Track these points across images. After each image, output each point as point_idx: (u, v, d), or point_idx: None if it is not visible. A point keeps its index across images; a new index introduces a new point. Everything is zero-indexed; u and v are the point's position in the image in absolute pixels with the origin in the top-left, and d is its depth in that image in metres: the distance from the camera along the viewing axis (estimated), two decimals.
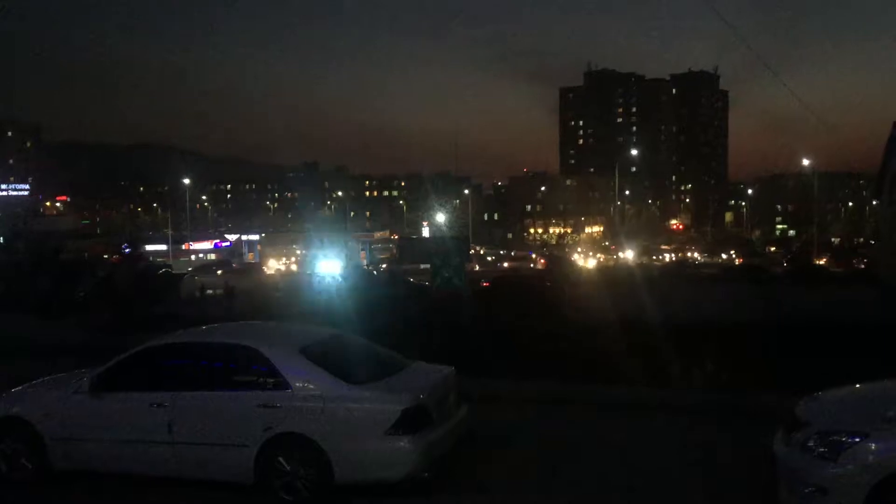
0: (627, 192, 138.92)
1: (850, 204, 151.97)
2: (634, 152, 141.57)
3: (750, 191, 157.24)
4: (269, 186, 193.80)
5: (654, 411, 11.03)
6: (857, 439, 6.25)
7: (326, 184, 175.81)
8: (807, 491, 6.33)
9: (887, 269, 33.98)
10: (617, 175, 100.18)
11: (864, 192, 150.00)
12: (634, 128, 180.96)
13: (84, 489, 8.37)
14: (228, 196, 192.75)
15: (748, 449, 8.67)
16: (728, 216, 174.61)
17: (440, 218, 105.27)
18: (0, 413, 8.73)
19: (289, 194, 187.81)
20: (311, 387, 7.86)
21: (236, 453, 7.79)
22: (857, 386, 7.55)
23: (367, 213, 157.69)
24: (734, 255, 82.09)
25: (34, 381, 9.46)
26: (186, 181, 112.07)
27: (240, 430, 7.81)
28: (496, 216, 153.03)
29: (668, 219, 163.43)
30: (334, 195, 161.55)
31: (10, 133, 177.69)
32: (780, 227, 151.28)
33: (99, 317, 23.61)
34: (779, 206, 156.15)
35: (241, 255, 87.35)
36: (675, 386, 12.00)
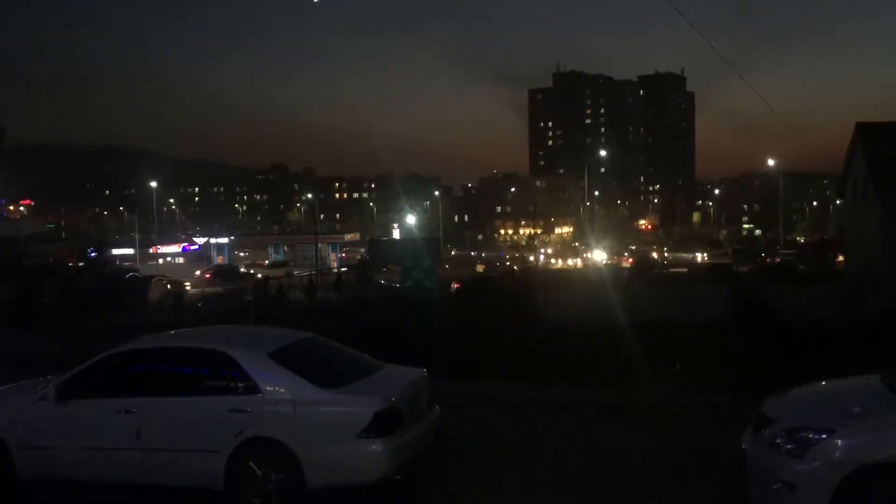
0: (597, 193, 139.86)
1: (815, 203, 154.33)
2: (603, 153, 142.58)
3: (717, 191, 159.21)
4: (237, 189, 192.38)
5: (623, 412, 11.10)
6: (825, 436, 6.35)
7: (296, 186, 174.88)
8: (775, 487, 6.41)
9: (850, 267, 34.58)
10: (586, 176, 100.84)
11: (828, 192, 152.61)
12: (603, 129, 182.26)
13: (51, 498, 8.22)
14: (196, 199, 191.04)
15: (717, 447, 8.76)
16: (696, 216, 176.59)
17: (411, 220, 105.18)
18: None
19: (258, 197, 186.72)
20: (282, 390, 7.80)
21: (206, 459, 7.71)
22: (824, 383, 7.67)
23: (337, 216, 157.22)
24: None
25: None
26: (153, 184, 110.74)
27: (210, 436, 7.73)
28: (467, 217, 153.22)
29: (637, 219, 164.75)
30: (304, 197, 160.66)
31: None
32: (746, 226, 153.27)
33: (65, 323, 23.28)
34: (745, 206, 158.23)
35: (210, 258, 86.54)
36: (644, 387, 12.10)
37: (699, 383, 11.82)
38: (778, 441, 6.56)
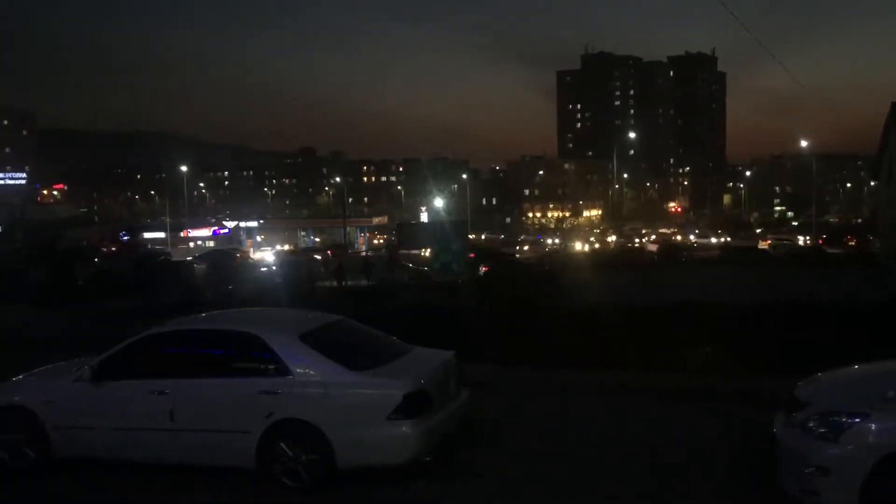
0: (626, 176, 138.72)
1: (849, 185, 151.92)
2: (632, 135, 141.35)
3: (748, 173, 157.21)
4: (266, 173, 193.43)
5: (651, 394, 11.05)
6: (858, 419, 6.28)
7: (324, 170, 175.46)
8: (807, 471, 6.35)
9: (885, 249, 34.03)
10: (615, 158, 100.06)
11: (863, 174, 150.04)
12: (632, 111, 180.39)
13: (86, 477, 8.38)
14: (226, 183, 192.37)
15: (747, 430, 8.70)
16: (726, 198, 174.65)
17: (439, 203, 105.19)
18: (1, 402, 8.73)
19: (286, 180, 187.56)
20: (313, 373, 7.87)
21: (239, 439, 7.81)
22: (857, 367, 7.58)
23: (365, 199, 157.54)
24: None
25: (35, 370, 9.48)
26: (184, 168, 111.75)
27: (242, 417, 7.83)
28: (494, 201, 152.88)
29: (667, 201, 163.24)
30: (332, 181, 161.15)
31: (6, 121, 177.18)
32: (778, 208, 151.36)
33: (98, 305, 23.63)
34: (777, 188, 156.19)
35: (240, 242, 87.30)
36: (672, 369, 12.03)
37: (729, 366, 11.72)
38: (810, 425, 6.50)
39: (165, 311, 18.07)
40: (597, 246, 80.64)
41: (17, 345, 16.86)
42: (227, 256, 58.00)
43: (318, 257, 57.63)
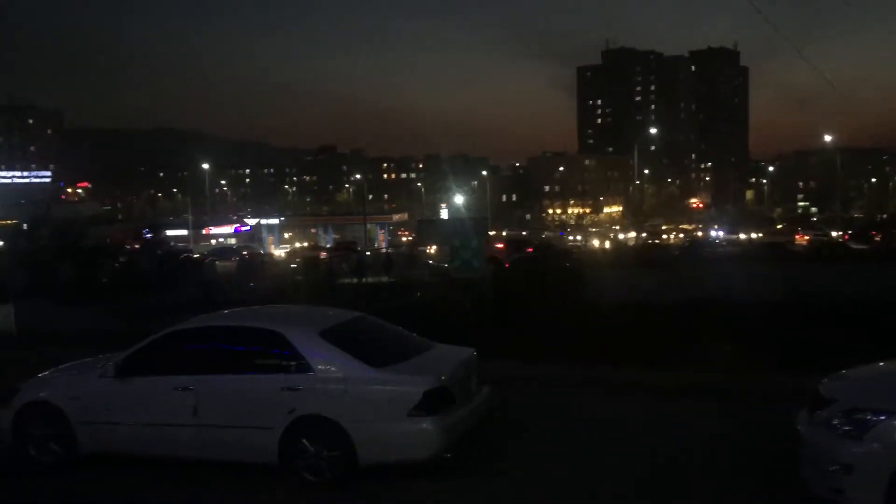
0: (647, 172, 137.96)
1: (874, 180, 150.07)
2: (653, 131, 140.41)
3: (771, 168, 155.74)
4: (287, 170, 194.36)
5: (675, 392, 10.99)
6: (883, 417, 6.21)
7: (344, 167, 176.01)
8: (832, 469, 6.29)
9: None
10: (636, 154, 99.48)
11: (888, 169, 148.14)
12: (653, 106, 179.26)
13: (111, 472, 8.47)
14: (247, 180, 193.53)
15: (771, 429, 8.64)
16: (749, 194, 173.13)
17: (458, 199, 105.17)
18: (28, 398, 8.84)
19: (307, 178, 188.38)
20: (334, 369, 7.91)
21: (261, 435, 7.86)
22: (882, 364, 7.49)
23: (385, 196, 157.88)
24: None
25: (60, 366, 9.59)
26: (206, 166, 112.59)
27: (264, 413, 7.88)
28: (514, 197, 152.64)
29: (689, 197, 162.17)
30: (352, 178, 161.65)
31: (31, 120, 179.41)
32: (801, 204, 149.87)
33: (122, 302, 23.86)
34: (801, 184, 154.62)
35: (261, 239, 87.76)
36: (696, 368, 11.96)
37: (751, 364, 11.64)
38: (835, 422, 6.44)
39: (187, 307, 18.22)
40: (625, 241, 79.81)
41: (42, 341, 17.08)
42: (256, 254, 58.94)
43: (322, 255, 57.88)
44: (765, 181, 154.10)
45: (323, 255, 61.26)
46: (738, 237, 76.84)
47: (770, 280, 20.80)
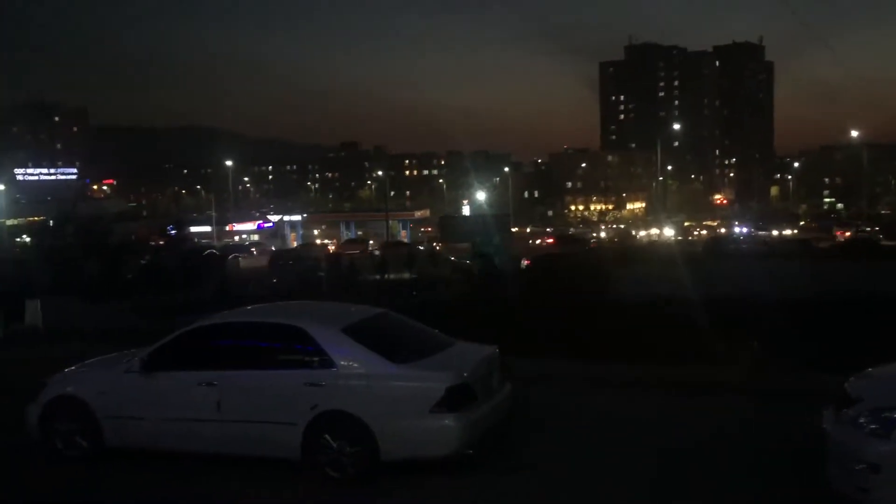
0: (670, 168, 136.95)
1: None
2: (677, 126, 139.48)
3: (796, 164, 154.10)
4: (309, 167, 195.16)
5: (700, 390, 10.92)
6: None
7: (366, 163, 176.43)
8: (858, 468, 6.23)
9: None
10: (659, 150, 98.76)
11: None
12: (677, 101, 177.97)
13: (137, 466, 8.56)
14: (270, 177, 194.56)
15: (797, 427, 8.56)
16: (774, 190, 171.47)
17: (481, 196, 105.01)
18: (55, 392, 8.95)
19: (329, 174, 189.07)
20: (356, 365, 7.93)
21: (284, 431, 7.90)
22: None
23: (407, 193, 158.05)
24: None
25: (87, 362, 9.71)
26: (229, 163, 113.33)
27: (287, 408, 7.92)
28: (537, 193, 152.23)
29: (712, 193, 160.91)
30: (374, 175, 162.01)
31: (57, 118, 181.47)
32: (827, 200, 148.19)
33: (147, 298, 24.10)
34: (826, 180, 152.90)
35: (283, 236, 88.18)
36: (721, 365, 11.87)
37: (777, 361, 11.53)
38: (861, 421, 6.36)
39: (210, 304, 18.37)
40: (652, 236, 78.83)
41: (69, 337, 17.30)
42: (288, 253, 59.32)
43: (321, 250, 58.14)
44: (790, 177, 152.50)
45: (331, 248, 61.75)
46: (770, 234, 74.70)
47: (798, 276, 20.59)
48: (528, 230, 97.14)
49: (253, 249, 62.41)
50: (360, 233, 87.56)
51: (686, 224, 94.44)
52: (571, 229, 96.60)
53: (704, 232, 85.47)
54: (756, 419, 9.49)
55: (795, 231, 78.17)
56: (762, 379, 10.94)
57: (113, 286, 27.11)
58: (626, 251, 39.03)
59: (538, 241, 74.11)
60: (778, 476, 7.62)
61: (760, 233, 75.72)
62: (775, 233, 76.27)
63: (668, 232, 77.74)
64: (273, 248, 67.87)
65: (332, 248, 63.78)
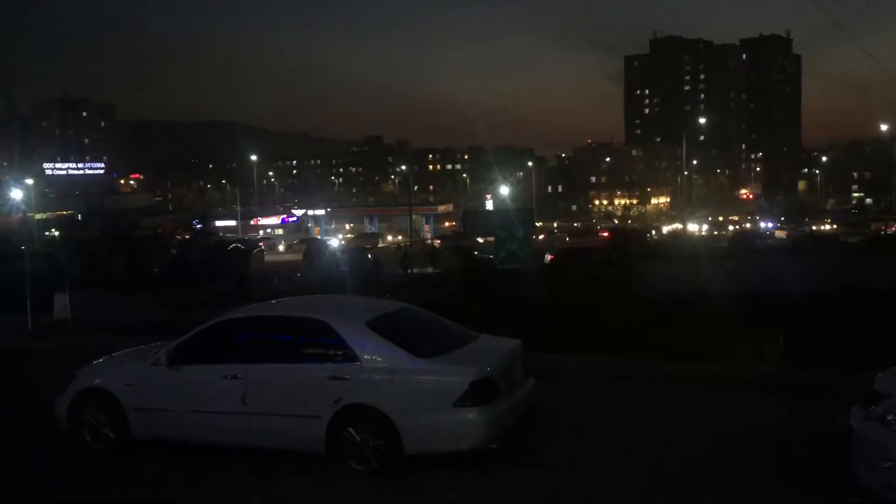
0: (695, 162, 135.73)
1: None
2: (702, 120, 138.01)
3: (824, 158, 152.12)
4: (333, 161, 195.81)
5: (722, 386, 10.84)
6: None
7: (389, 158, 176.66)
8: (886, 465, 6.16)
9: None
10: (684, 144, 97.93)
11: None
12: (702, 95, 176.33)
13: (164, 457, 8.65)
14: (294, 171, 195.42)
15: (822, 424, 8.48)
16: (801, 184, 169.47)
17: (504, 191, 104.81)
18: (84, 384, 9.06)
19: (353, 169, 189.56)
20: (380, 359, 7.96)
21: (308, 424, 7.95)
22: None
23: (431, 187, 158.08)
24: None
25: (114, 354, 9.81)
26: (254, 157, 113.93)
27: (311, 402, 7.97)
28: (560, 188, 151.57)
29: (738, 188, 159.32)
30: (397, 169, 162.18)
31: (85, 113, 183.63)
32: (856, 194, 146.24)
33: (173, 291, 24.32)
34: (855, 174, 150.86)
35: (307, 230, 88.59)
36: (744, 360, 11.79)
37: (801, 357, 11.43)
38: (889, 418, 6.29)
39: (234, 298, 18.51)
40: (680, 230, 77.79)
41: (97, 329, 17.52)
42: (322, 244, 59.47)
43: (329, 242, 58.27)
44: (817, 171, 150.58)
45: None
46: (800, 228, 72.52)
47: (827, 273, 20.39)
48: (556, 225, 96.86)
49: (261, 244, 62.61)
50: (382, 225, 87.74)
51: (721, 219, 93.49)
52: (629, 221, 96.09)
53: (737, 227, 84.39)
54: (781, 416, 9.40)
55: (835, 226, 75.88)
56: (787, 375, 10.85)
57: (140, 280, 27.39)
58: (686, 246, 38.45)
59: (565, 236, 73.44)
60: (804, 474, 7.54)
61: (777, 232, 73.45)
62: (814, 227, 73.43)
63: (693, 227, 76.84)
64: (299, 240, 68.05)
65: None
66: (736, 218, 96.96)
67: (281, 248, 59.87)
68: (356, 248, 52.88)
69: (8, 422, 10.33)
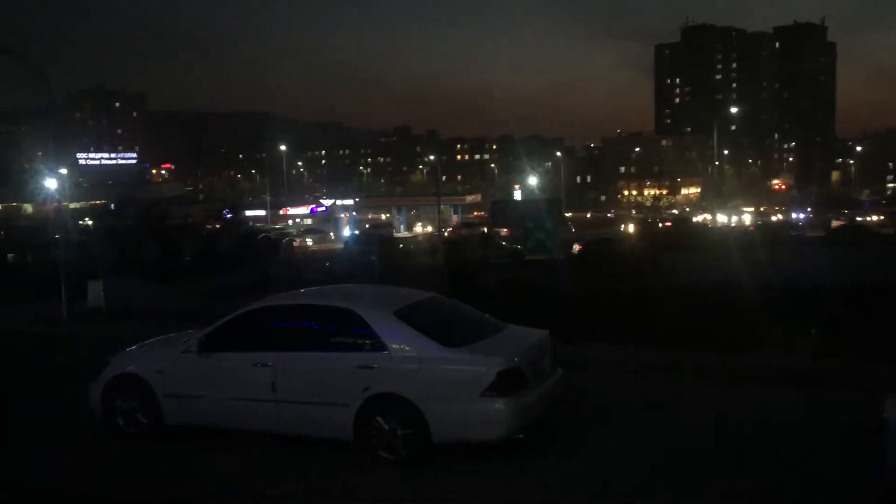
0: (726, 152, 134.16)
1: None
2: (734, 110, 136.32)
3: (859, 148, 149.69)
4: (362, 151, 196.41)
5: (750, 379, 10.75)
6: None
7: (418, 148, 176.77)
8: None
9: None
10: (716, 134, 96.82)
11: None
12: (734, 84, 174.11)
13: (195, 443, 8.78)
14: (323, 161, 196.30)
15: (858, 416, 8.39)
16: (835, 175, 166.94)
17: (532, 181, 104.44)
18: (116, 371, 9.21)
19: (382, 159, 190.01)
20: (408, 348, 8.00)
21: (336, 412, 8.02)
22: None
23: (459, 177, 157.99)
24: None
25: (147, 341, 9.97)
26: (283, 148, 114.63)
27: (339, 390, 8.03)
28: (589, 178, 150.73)
29: (770, 178, 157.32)
30: (426, 159, 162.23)
31: (118, 103, 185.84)
32: (891, 185, 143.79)
33: (204, 280, 24.56)
34: (890, 164, 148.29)
35: (336, 220, 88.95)
36: (773, 352, 11.66)
37: (834, 350, 11.29)
38: None
39: (264, 286, 18.66)
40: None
41: (130, 317, 17.78)
42: (371, 235, 59.61)
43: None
44: (852, 161, 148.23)
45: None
46: (832, 220, 70.38)
47: (858, 263, 20.09)
48: (589, 216, 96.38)
49: (269, 235, 62.74)
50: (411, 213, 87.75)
51: (753, 209, 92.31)
52: (687, 209, 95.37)
53: (778, 217, 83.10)
54: (813, 408, 9.31)
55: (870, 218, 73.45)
56: (821, 367, 10.73)
57: (171, 268, 27.69)
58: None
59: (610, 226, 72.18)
60: (838, 465, 7.47)
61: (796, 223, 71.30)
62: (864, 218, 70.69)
63: (722, 218, 75.86)
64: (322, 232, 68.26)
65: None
66: (759, 209, 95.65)
67: (309, 241, 59.81)
68: (381, 235, 52.97)
69: (43, 406, 10.55)
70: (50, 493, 7.70)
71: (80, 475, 8.04)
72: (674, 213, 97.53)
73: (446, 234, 59.52)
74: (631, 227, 65.03)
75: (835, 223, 62.31)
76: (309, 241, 59.55)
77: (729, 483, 7.25)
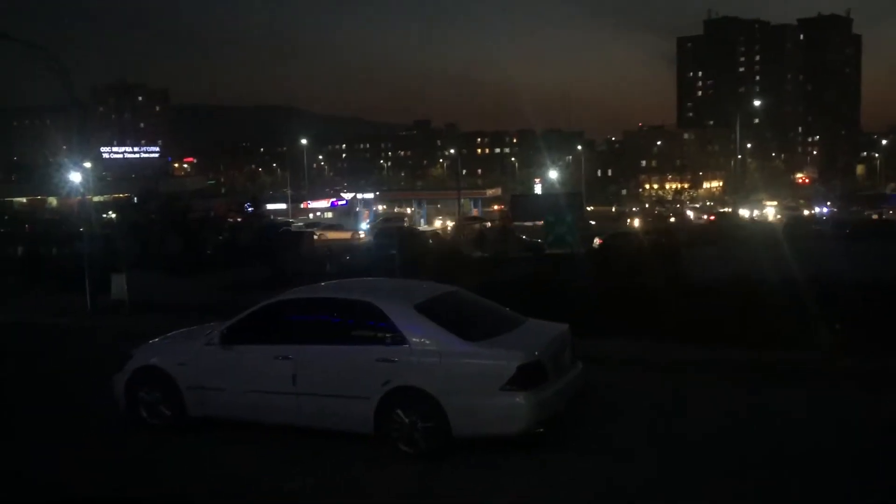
0: (749, 145, 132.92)
1: None
2: (757, 103, 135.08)
3: (884, 141, 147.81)
4: (382, 145, 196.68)
5: (772, 374, 10.67)
6: None
7: (438, 141, 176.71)
8: None
9: None
10: (738, 127, 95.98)
11: None
12: (757, 77, 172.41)
13: (217, 435, 8.85)
14: (343, 155, 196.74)
15: (883, 410, 8.31)
16: (860, 168, 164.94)
17: (553, 175, 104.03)
18: (140, 362, 9.30)
19: (402, 152, 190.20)
20: (428, 342, 8.01)
21: (357, 405, 8.05)
22: None
23: (479, 171, 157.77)
24: None
25: (169, 334, 10.06)
26: (304, 141, 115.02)
27: (360, 383, 8.06)
28: (610, 172, 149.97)
29: (794, 172, 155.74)
30: (446, 153, 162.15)
31: (140, 98, 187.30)
32: None
33: (225, 273, 24.73)
34: None
35: (356, 213, 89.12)
36: (799, 349, 11.55)
37: (861, 345, 11.17)
38: None
39: (287, 279, 18.74)
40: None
41: (152, 309, 17.94)
42: (393, 228, 59.66)
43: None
44: (877, 155, 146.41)
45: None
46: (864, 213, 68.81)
47: (882, 258, 19.89)
48: (613, 209, 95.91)
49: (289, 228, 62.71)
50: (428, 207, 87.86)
51: (776, 203, 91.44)
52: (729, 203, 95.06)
53: (782, 214, 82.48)
54: (835, 403, 9.23)
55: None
56: (845, 362, 10.64)
57: (194, 262, 27.88)
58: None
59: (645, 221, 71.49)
60: (859, 460, 7.41)
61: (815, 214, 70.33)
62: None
63: (744, 212, 75.41)
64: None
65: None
66: (778, 203, 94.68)
67: (330, 235, 59.90)
68: (402, 228, 53.02)
69: (68, 398, 10.68)
70: (66, 483, 7.75)
71: (95, 468, 8.10)
72: (714, 208, 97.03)
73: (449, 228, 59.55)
74: (637, 223, 64.95)
75: (874, 216, 62.51)
76: (329, 235, 59.61)
77: (715, 488, 7.21)
